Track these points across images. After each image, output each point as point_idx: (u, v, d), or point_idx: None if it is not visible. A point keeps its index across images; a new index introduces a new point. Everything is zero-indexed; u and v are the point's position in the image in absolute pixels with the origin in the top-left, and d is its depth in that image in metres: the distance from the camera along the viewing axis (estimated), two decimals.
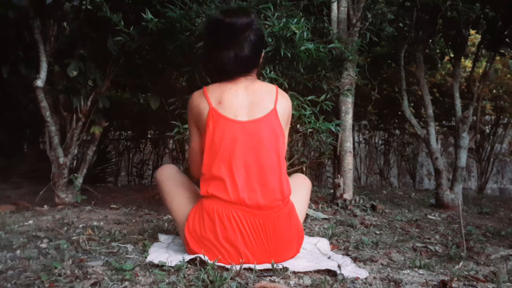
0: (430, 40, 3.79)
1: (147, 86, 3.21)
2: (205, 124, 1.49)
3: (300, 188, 1.67)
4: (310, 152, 4.00)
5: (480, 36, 3.71)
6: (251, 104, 1.50)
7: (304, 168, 2.93)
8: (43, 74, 2.58)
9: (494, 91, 5.22)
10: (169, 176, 1.66)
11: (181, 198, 1.59)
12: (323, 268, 1.43)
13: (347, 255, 1.71)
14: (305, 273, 1.40)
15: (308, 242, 1.78)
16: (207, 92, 1.52)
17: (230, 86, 1.53)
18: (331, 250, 1.76)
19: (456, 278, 1.40)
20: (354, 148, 4.13)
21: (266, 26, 2.20)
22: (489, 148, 5.55)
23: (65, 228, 1.98)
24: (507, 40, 3.32)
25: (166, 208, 1.66)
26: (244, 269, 1.39)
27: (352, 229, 2.24)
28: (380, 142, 6.19)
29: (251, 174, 1.45)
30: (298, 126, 2.59)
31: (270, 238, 1.45)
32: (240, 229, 1.43)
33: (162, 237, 1.82)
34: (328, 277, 1.34)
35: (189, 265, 1.40)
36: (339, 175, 2.98)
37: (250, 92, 1.52)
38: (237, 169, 1.44)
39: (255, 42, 1.51)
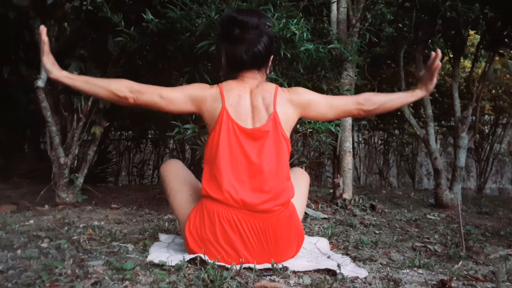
0: (430, 41, 3.79)
1: None
2: (215, 123, 1.49)
3: (299, 185, 1.67)
4: (310, 152, 4.00)
5: (479, 36, 3.71)
6: (254, 110, 1.50)
7: (303, 168, 2.93)
8: (43, 74, 2.59)
9: (493, 91, 5.23)
10: (173, 172, 1.66)
11: (184, 195, 1.60)
12: (323, 267, 1.43)
13: (347, 254, 1.71)
14: (305, 272, 1.40)
15: (308, 242, 1.79)
16: (223, 90, 1.51)
17: (239, 88, 1.52)
18: (331, 249, 1.77)
19: (455, 278, 1.41)
20: (353, 148, 4.14)
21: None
22: (488, 148, 5.56)
23: (66, 228, 1.99)
24: (506, 40, 3.33)
25: (168, 204, 1.66)
26: (244, 268, 1.39)
27: (351, 229, 2.24)
28: (379, 142, 6.19)
29: (252, 179, 1.46)
30: (298, 126, 2.60)
31: (270, 241, 1.46)
32: (240, 232, 1.44)
33: (162, 236, 1.83)
34: (327, 277, 1.35)
35: (189, 265, 1.40)
36: (338, 175, 2.99)
37: (254, 96, 1.52)
38: (238, 174, 1.46)
39: (265, 39, 1.54)
